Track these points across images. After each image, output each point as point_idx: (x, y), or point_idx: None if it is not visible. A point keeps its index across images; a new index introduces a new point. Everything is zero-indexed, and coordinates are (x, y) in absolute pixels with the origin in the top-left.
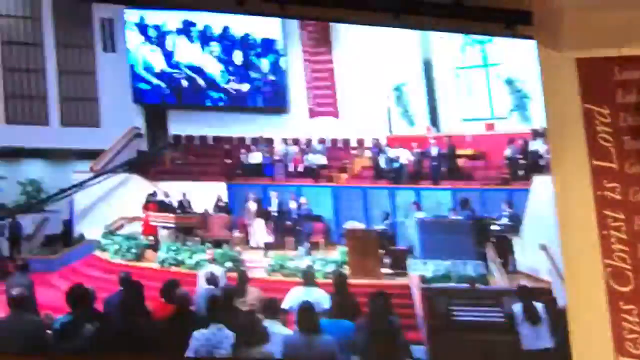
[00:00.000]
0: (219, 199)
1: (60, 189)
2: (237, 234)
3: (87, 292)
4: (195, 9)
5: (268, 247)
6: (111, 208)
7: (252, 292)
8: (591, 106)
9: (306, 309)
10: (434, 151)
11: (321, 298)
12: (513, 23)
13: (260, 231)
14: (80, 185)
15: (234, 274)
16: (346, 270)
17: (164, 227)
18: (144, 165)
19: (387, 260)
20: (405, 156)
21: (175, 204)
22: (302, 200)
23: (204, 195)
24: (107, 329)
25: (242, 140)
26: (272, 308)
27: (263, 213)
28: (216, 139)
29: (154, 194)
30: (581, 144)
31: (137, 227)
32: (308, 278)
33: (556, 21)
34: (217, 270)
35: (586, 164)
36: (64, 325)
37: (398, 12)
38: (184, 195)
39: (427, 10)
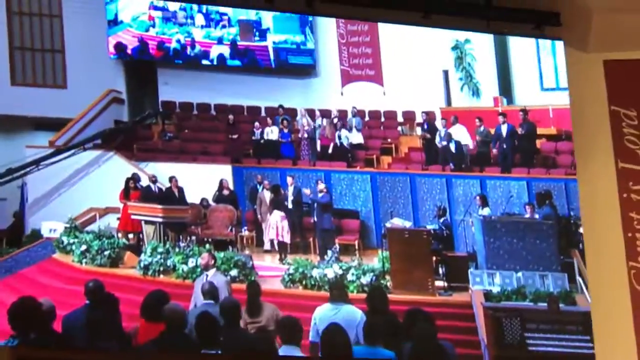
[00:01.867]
0: (222, 187)
1: (8, 169)
2: (245, 232)
3: (38, 307)
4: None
5: (286, 250)
6: (78, 196)
7: (266, 309)
8: (618, 108)
9: (333, 333)
10: (505, 129)
11: (353, 318)
12: (541, 24)
13: (276, 229)
14: (36, 164)
15: (242, 286)
16: (387, 282)
17: (149, 222)
18: (124, 139)
19: (441, 270)
20: (466, 135)
21: (165, 192)
22: (321, 187)
23: (203, 180)
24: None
25: (254, 110)
26: (291, 330)
27: (281, 205)
28: (220, 107)
29: (136, 178)
30: (607, 146)
31: (112, 222)
32: (337, 291)
33: (584, 23)
34: (219, 279)
35: (612, 166)
36: None
37: (427, 12)
38: (175, 180)
39: (457, 9)
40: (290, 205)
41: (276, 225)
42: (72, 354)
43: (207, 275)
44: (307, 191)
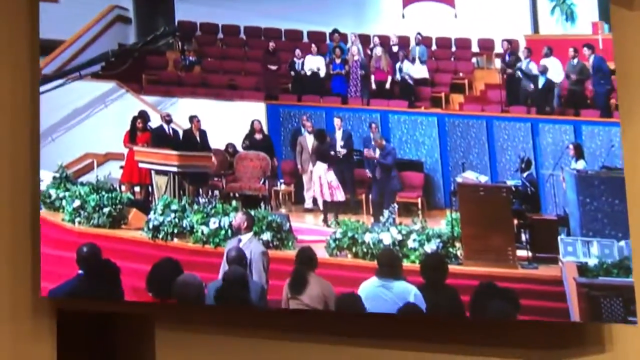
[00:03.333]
0: (254, 129)
1: None
2: (282, 186)
3: None
4: None
5: (333, 209)
6: (70, 138)
7: (315, 287)
8: None
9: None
10: (605, 63)
11: (404, 298)
12: None
13: (320, 183)
14: None
15: (278, 253)
16: (457, 250)
17: (161, 172)
18: (130, 68)
19: (524, 237)
20: (558, 70)
21: (181, 134)
22: (373, 128)
23: (230, 121)
24: None
25: (295, 35)
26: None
27: (326, 155)
28: (252, 31)
29: (145, 117)
30: None
31: (114, 172)
32: (388, 263)
33: None
34: (255, 248)
35: None
36: None
37: None
38: (197, 120)
39: None
40: (340, 155)
41: (320, 180)
42: (113, 306)
43: (239, 240)
44: (369, 153)
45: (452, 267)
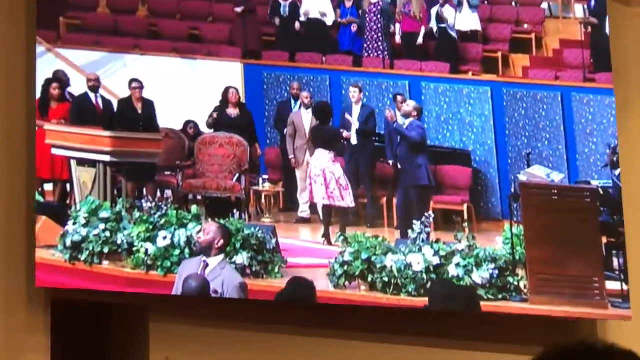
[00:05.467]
0: (227, 101)
1: None
2: (266, 184)
3: None
4: None
5: (341, 219)
6: None
7: None
8: None
9: None
10: None
11: None
12: None
13: (322, 180)
14: None
15: (260, 283)
16: (521, 279)
17: (85, 162)
18: (40, 7)
19: (616, 262)
20: None
21: (119, 106)
22: (408, 106)
23: (190, 90)
24: None
25: None
26: None
27: (329, 136)
28: None
29: (63, 80)
30: None
31: None
32: (444, 300)
33: None
34: (228, 276)
35: None
36: None
37: None
38: (139, 85)
39: None
40: (354, 140)
41: (324, 173)
42: (108, 297)
43: (206, 264)
44: (389, 113)
45: (514, 306)
